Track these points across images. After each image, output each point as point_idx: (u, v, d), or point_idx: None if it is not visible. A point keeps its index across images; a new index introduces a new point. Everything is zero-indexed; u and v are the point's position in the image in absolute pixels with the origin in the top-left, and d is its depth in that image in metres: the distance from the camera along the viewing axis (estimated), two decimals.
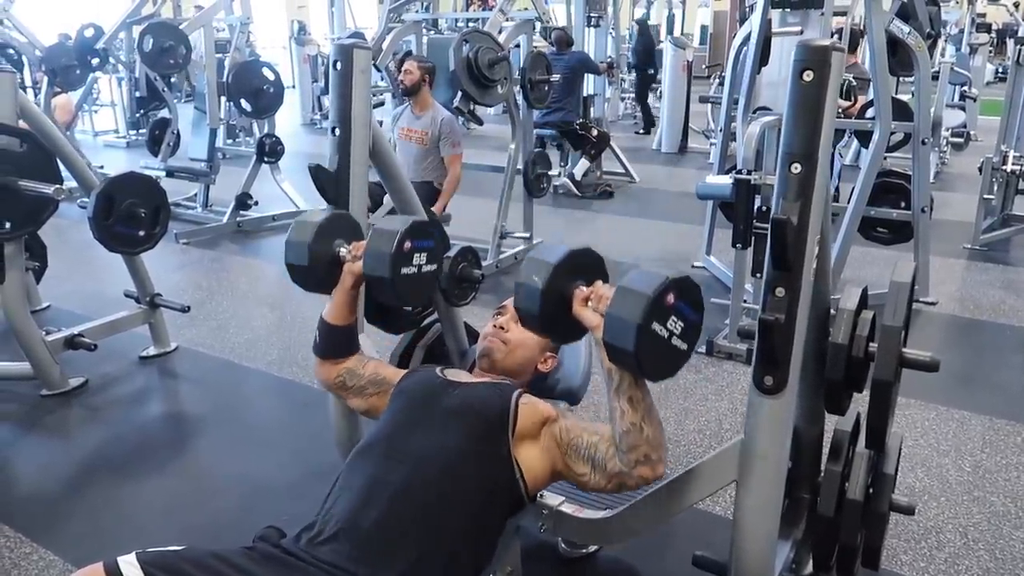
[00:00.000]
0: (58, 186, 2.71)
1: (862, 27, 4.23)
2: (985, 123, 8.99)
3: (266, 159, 5.60)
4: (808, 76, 1.29)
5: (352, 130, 1.86)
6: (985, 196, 4.88)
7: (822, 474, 1.83)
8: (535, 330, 1.49)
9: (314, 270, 1.66)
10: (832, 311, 1.70)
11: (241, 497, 2.39)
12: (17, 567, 2.07)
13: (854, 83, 5.50)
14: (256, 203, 5.61)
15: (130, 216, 3.02)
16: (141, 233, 3.10)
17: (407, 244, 1.60)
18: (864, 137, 4.93)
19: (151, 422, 2.94)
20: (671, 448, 2.62)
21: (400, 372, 1.72)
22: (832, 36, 4.46)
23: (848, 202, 3.83)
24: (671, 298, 1.29)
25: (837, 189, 5.74)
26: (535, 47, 4.97)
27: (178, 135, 6.23)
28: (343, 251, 1.67)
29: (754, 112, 4.06)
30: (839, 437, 1.83)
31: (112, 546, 2.14)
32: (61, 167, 2.96)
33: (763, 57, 3.77)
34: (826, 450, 1.82)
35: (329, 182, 1.88)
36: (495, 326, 1.72)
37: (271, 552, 1.35)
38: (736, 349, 3.32)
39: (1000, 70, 14.63)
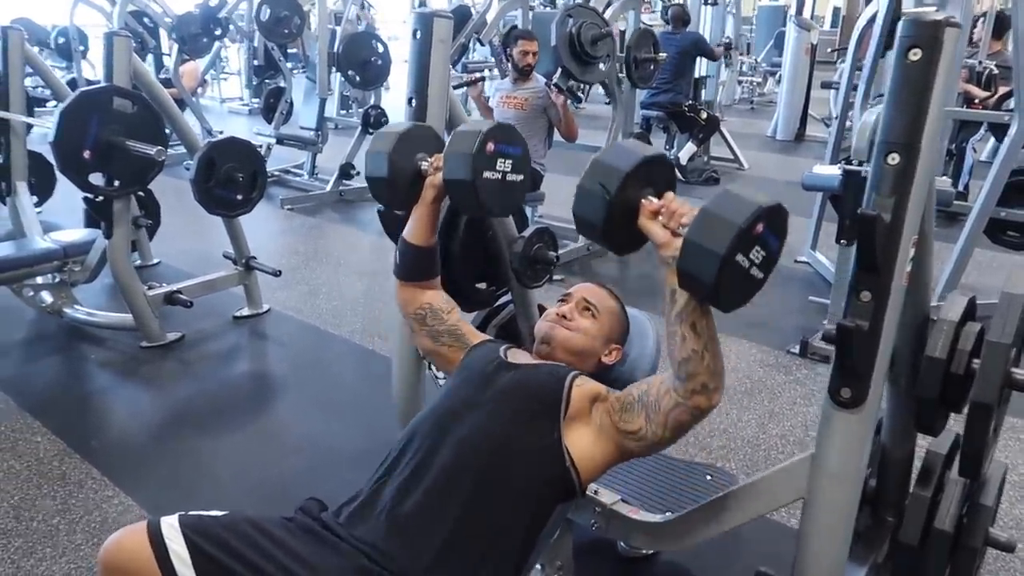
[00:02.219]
0: (160, 147, 2.81)
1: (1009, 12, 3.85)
2: None
3: (370, 130, 5.68)
4: (915, 55, 1.15)
5: (428, 101, 1.82)
6: None
7: (910, 500, 1.68)
8: (594, 238, 1.36)
9: (394, 183, 1.58)
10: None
11: (310, 460, 2.44)
12: (99, 508, 2.18)
13: (995, 72, 5.04)
14: (359, 173, 5.70)
15: (229, 180, 3.12)
16: (239, 197, 3.20)
17: (490, 146, 1.49)
18: (1000, 131, 4.51)
19: (237, 379, 3.05)
20: (750, 452, 2.48)
21: (477, 335, 1.67)
22: (976, 20, 4.09)
23: (975, 201, 3.51)
24: (760, 227, 1.16)
25: (967, 186, 5.30)
26: (647, 24, 4.80)
27: (291, 104, 6.42)
28: (424, 164, 1.59)
29: (874, 99, 3.77)
30: (931, 459, 1.66)
31: (187, 497, 2.25)
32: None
33: (889, 39, 3.49)
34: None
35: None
36: (558, 314, 1.64)
37: (309, 525, 1.34)
38: (832, 351, 3.10)
39: None
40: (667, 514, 1.66)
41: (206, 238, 4.64)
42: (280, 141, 5.90)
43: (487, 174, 1.50)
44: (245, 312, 3.54)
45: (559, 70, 3.92)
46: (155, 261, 4.19)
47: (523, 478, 1.36)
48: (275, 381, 3.03)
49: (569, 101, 4.12)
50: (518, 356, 1.60)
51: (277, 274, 3.46)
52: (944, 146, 4.88)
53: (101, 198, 2.97)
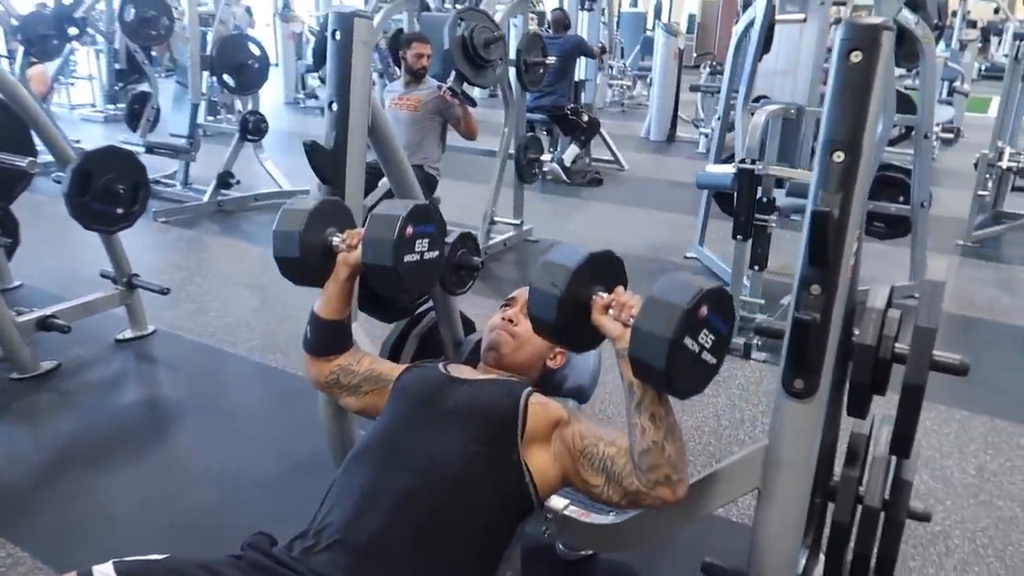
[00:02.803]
0: (32, 159, 2.56)
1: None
2: (970, 119, 9.01)
3: (249, 137, 5.43)
4: (856, 57, 1.20)
5: (351, 105, 1.75)
6: (979, 192, 4.85)
7: (835, 479, 1.76)
8: (550, 339, 1.39)
9: (306, 262, 1.54)
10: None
11: (222, 491, 2.28)
12: None
13: None
14: (238, 182, 5.45)
15: (108, 193, 2.88)
16: (119, 211, 2.96)
17: (409, 230, 1.49)
18: None
19: (127, 409, 2.81)
20: None
21: (397, 367, 1.62)
22: (830, 26, 4.39)
23: None
24: (704, 310, 1.19)
25: None
26: (530, 28, 4.84)
27: (158, 110, 6.03)
28: (336, 240, 1.55)
29: (754, 101, 3.98)
30: (856, 441, 1.75)
31: (84, 542, 2.04)
32: (36, 140, 2.81)
33: (766, 44, 3.69)
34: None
35: (325, 160, 1.76)
36: (504, 319, 1.61)
37: (261, 562, 1.24)
38: (733, 343, 3.23)
39: (983, 68, 14.69)
40: (615, 515, 1.66)
41: (70, 256, 4.29)
42: (150, 150, 5.53)
43: (408, 257, 1.50)
44: (128, 334, 3.27)
45: (453, 74, 3.89)
46: (16, 284, 3.81)
47: (483, 497, 1.33)
48: (171, 407, 2.81)
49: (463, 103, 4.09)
50: (462, 371, 1.56)
51: (165, 292, 3.23)
52: (806, 144, 5.21)
53: None
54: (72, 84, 9.90)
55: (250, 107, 5.58)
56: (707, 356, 1.22)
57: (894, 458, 1.72)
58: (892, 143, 4.72)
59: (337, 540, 1.25)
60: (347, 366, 1.58)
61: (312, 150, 1.76)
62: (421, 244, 1.53)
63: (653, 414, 1.26)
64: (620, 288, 1.33)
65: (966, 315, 3.81)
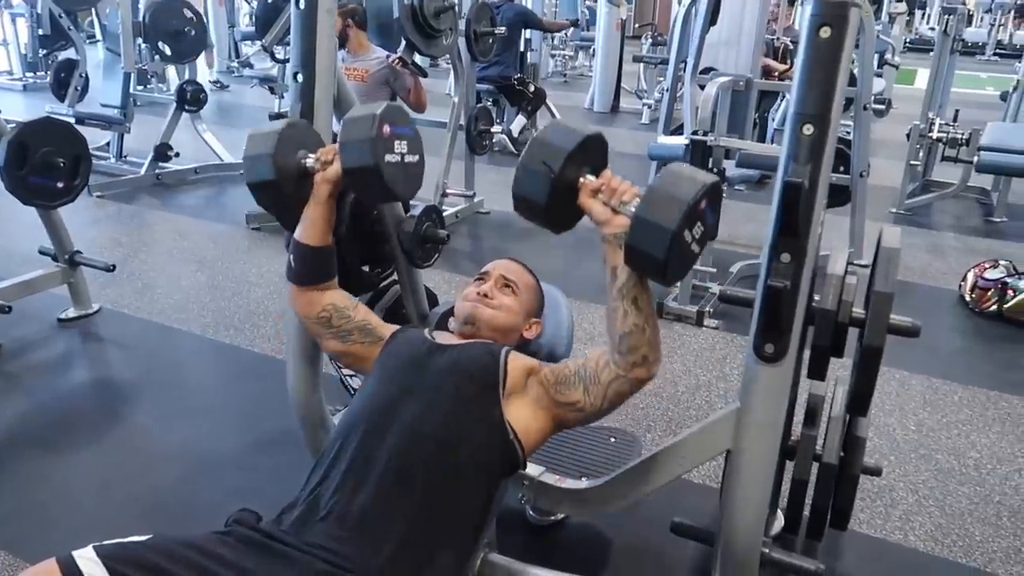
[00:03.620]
0: None
1: None
2: (898, 91, 9.30)
3: (187, 107, 5.25)
4: (825, 32, 1.24)
5: (316, 76, 1.71)
6: (911, 162, 5.04)
7: (793, 438, 1.84)
8: (532, 218, 1.37)
9: (282, 184, 1.49)
10: None
11: (184, 469, 2.25)
12: None
13: (791, 46, 5.56)
14: (177, 154, 5.26)
15: (47, 166, 2.77)
16: (59, 185, 2.86)
17: (386, 128, 1.45)
18: None
19: (78, 390, 2.73)
20: (629, 410, 2.61)
21: (388, 327, 1.60)
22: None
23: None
24: (704, 204, 1.23)
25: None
26: None
27: (87, 78, 5.76)
28: (310, 160, 1.51)
29: (701, 73, 4.04)
30: (814, 402, 1.84)
31: (47, 525, 1.99)
32: None
33: (713, 16, 3.74)
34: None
35: None
36: (479, 293, 1.62)
37: (250, 536, 1.24)
38: (686, 311, 3.33)
39: (908, 40, 15.17)
40: (589, 480, 1.71)
41: (1, 234, 4.11)
42: (80, 121, 5.26)
43: (388, 157, 1.45)
44: (71, 314, 3.16)
45: (403, 43, 3.83)
46: None
47: (472, 457, 1.35)
48: (124, 387, 2.74)
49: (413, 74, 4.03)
50: (445, 337, 1.57)
51: (111, 269, 3.13)
52: (751, 115, 5.33)
53: None
54: None
55: (187, 76, 5.37)
56: (695, 246, 1.25)
57: (847, 417, 1.82)
58: None
59: (328, 512, 1.26)
60: (342, 309, 1.56)
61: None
62: (400, 145, 1.49)
63: (636, 298, 1.30)
64: (608, 172, 1.34)
65: (901, 279, 3.97)
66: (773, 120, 6.49)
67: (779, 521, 1.97)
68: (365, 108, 1.49)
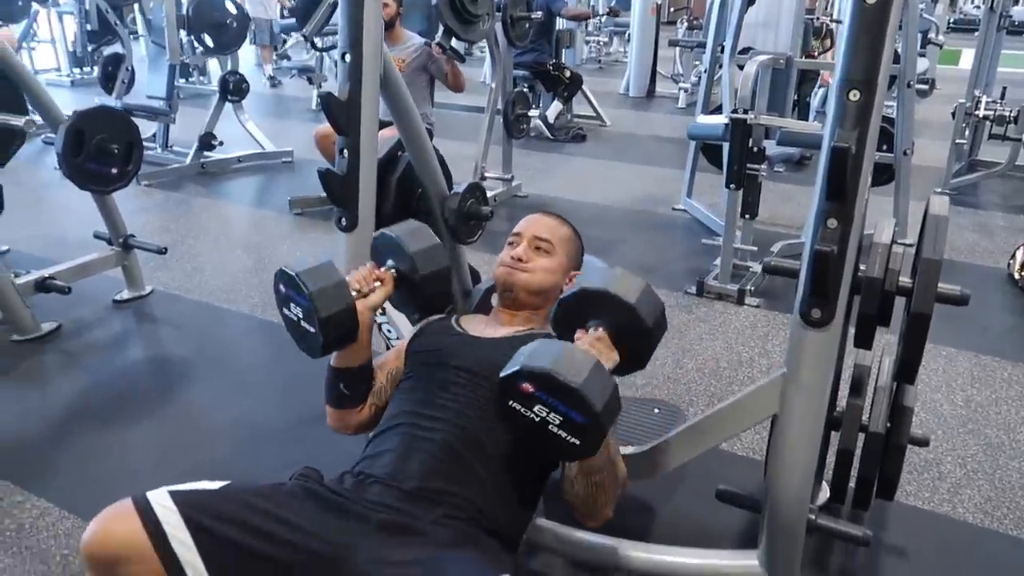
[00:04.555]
0: (28, 118, 2.53)
1: None
2: (942, 71, 9.10)
3: (230, 97, 5.35)
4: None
5: (364, 55, 1.76)
6: (957, 141, 4.95)
7: (839, 408, 1.84)
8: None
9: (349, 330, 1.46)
10: None
11: (238, 440, 2.32)
12: (9, 515, 1.98)
13: (832, 26, 5.49)
14: (221, 143, 5.38)
15: (102, 152, 2.86)
16: (113, 171, 2.95)
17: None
18: None
19: (133, 367, 2.83)
20: (672, 386, 2.62)
21: (403, 346, 1.62)
22: None
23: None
24: (528, 387, 1.17)
25: None
26: None
27: (133, 72, 5.91)
28: (353, 293, 1.47)
29: (739, 53, 4.01)
30: (860, 372, 1.84)
31: (107, 493, 2.05)
32: None
33: None
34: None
35: (340, 111, 1.77)
36: (514, 257, 1.61)
37: (316, 490, 1.29)
38: (726, 289, 3.33)
39: (951, 20, 14.79)
40: (634, 448, 1.73)
41: (54, 221, 4.27)
42: (128, 112, 5.41)
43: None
44: (126, 295, 3.27)
45: (441, 29, 3.87)
46: (3, 248, 3.77)
47: (511, 452, 1.37)
48: (178, 365, 2.83)
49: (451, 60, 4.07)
50: (474, 325, 1.59)
51: (163, 252, 3.23)
52: (791, 95, 5.28)
53: None
54: (34, 48, 9.63)
55: (229, 67, 5.48)
56: (556, 430, 1.18)
57: (894, 387, 1.82)
58: None
59: (383, 481, 1.30)
60: (377, 391, 1.58)
61: (327, 102, 1.77)
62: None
63: (588, 471, 1.32)
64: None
65: (948, 258, 3.91)
66: (814, 101, 6.42)
67: (824, 492, 1.98)
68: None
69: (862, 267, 1.59)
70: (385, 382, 1.59)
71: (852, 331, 1.62)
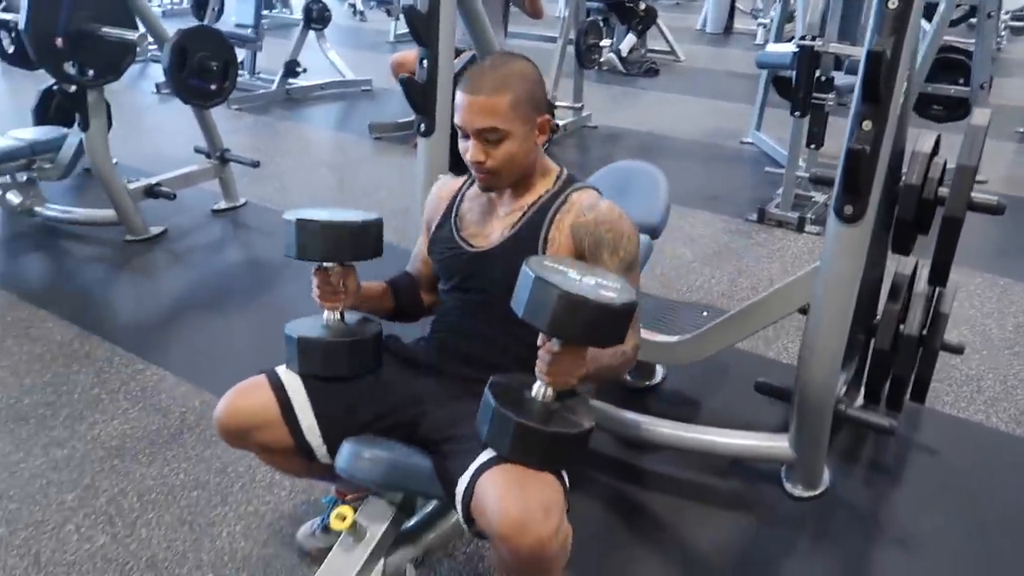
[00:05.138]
0: (141, 32, 2.78)
1: None
2: None
3: (313, 26, 5.58)
4: None
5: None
6: None
7: (878, 316, 1.97)
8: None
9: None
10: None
11: None
12: (134, 379, 2.29)
13: None
14: (305, 70, 5.63)
15: (202, 69, 3.11)
16: (212, 87, 3.20)
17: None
18: (929, 11, 4.80)
19: (230, 267, 3.13)
20: (726, 302, 2.76)
21: (423, 244, 1.61)
22: None
23: None
24: None
25: None
26: None
27: (222, 1, 6.18)
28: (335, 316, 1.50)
29: None
30: (898, 280, 1.95)
31: (215, 365, 2.37)
32: None
33: None
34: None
35: (421, 23, 1.94)
36: (472, 161, 1.38)
37: (399, 350, 1.51)
38: (787, 217, 3.41)
39: None
40: (678, 337, 1.90)
41: (152, 139, 4.60)
42: None
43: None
44: (222, 205, 3.57)
45: None
46: (112, 161, 4.11)
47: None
48: (269, 267, 3.11)
49: None
50: (478, 235, 1.47)
51: (256, 164, 3.50)
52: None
53: (74, 89, 2.93)
54: None
55: None
56: None
57: (931, 294, 1.92)
58: (954, 24, 4.66)
59: (453, 350, 1.48)
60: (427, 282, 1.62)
61: (409, 14, 1.94)
62: None
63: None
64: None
65: (1019, 196, 3.89)
66: None
67: (861, 399, 2.11)
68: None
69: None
70: (427, 270, 1.60)
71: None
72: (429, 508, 1.53)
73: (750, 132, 4.54)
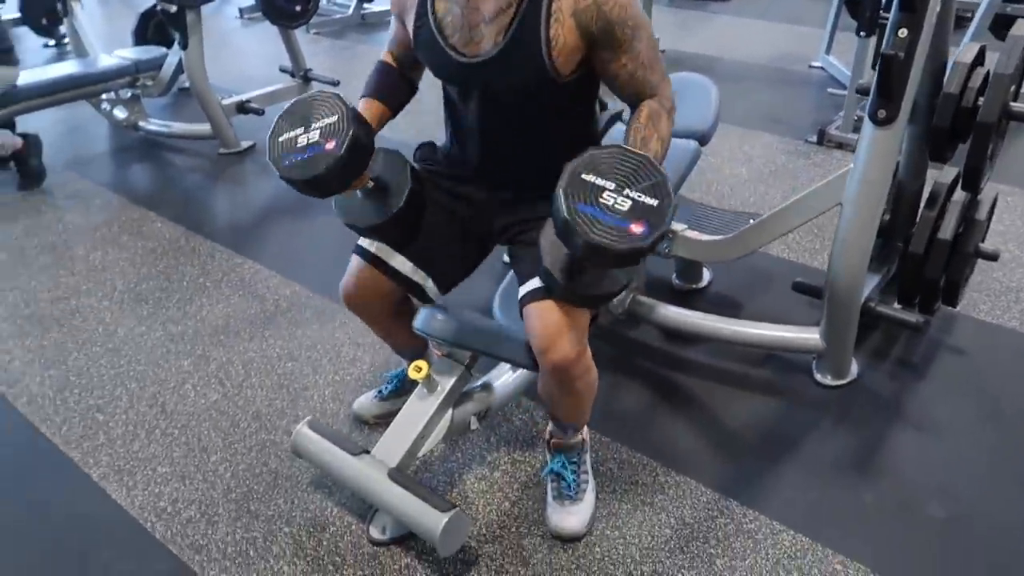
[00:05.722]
0: None
1: None
2: None
3: None
4: None
5: None
6: None
7: (918, 222, 2.08)
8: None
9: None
10: None
11: None
12: (234, 271, 2.60)
13: None
14: None
15: None
16: (297, 8, 3.41)
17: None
18: None
19: None
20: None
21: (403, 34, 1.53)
22: None
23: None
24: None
25: None
26: None
27: None
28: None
29: None
30: (937, 188, 2.05)
31: (305, 261, 2.64)
32: None
33: None
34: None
35: None
36: None
37: (448, 173, 1.61)
38: (847, 139, 3.45)
39: None
40: (722, 236, 2.06)
41: (231, 63, 4.85)
42: None
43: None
44: None
45: None
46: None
47: (552, 125, 1.47)
48: None
49: None
50: (467, 42, 1.38)
51: (336, 83, 3.72)
52: None
53: (175, 9, 3.19)
54: None
55: None
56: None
57: (967, 201, 2.02)
58: None
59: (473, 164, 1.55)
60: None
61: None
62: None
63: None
64: None
65: None
66: None
67: (896, 303, 2.23)
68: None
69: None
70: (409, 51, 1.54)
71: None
72: (491, 372, 1.77)
73: (819, 56, 4.51)
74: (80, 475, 1.79)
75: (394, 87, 1.61)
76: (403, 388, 1.88)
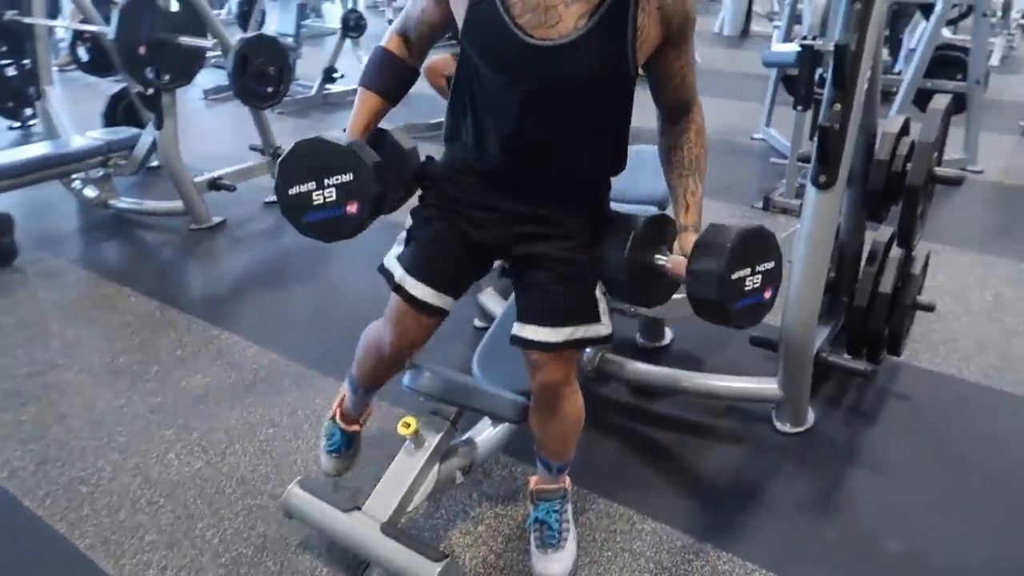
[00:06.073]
0: (214, 40, 3.15)
1: None
2: None
3: (350, 34, 5.95)
4: None
5: None
6: None
7: (860, 278, 2.26)
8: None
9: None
10: None
11: (375, 303, 2.92)
12: (211, 343, 2.64)
13: None
14: (342, 76, 6.00)
15: (260, 74, 3.47)
16: (269, 89, 3.56)
17: None
18: (928, 10, 5.06)
19: (286, 251, 3.48)
20: None
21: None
22: None
23: (906, 75, 4.07)
24: (750, 246, 1.29)
25: (900, 70, 5.88)
26: None
27: (264, 11, 6.58)
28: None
29: None
30: (875, 246, 2.24)
31: (281, 331, 2.71)
32: None
33: None
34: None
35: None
36: None
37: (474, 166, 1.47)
38: (791, 204, 3.69)
39: None
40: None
41: (201, 141, 4.94)
42: None
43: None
44: (274, 199, 3.93)
45: None
46: None
47: (611, 113, 1.44)
48: (321, 251, 3.42)
49: None
50: (540, 25, 1.26)
51: None
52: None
53: (151, 92, 3.31)
54: None
55: (350, 6, 6.06)
56: (758, 288, 1.29)
57: (904, 258, 2.21)
58: (952, 22, 4.91)
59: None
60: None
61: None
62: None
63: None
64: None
65: (1014, 184, 4.15)
66: (908, 38, 6.46)
67: (845, 353, 2.39)
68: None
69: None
70: (428, 34, 1.46)
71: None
72: (474, 428, 1.85)
73: (760, 128, 4.83)
74: (68, 547, 1.80)
75: (398, 79, 1.49)
76: (350, 445, 1.87)
